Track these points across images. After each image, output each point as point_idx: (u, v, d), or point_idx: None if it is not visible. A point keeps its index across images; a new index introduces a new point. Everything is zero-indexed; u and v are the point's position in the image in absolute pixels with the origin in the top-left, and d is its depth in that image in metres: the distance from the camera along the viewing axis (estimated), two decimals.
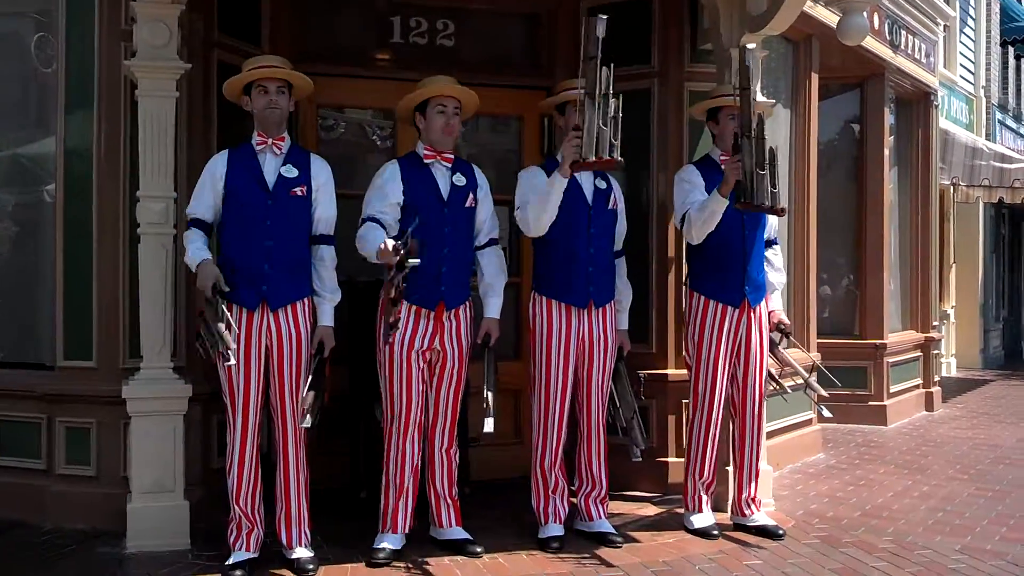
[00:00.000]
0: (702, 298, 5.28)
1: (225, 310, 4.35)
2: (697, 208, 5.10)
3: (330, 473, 5.78)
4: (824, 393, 5.64)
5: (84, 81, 5.36)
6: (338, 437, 5.82)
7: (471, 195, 4.91)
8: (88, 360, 5.35)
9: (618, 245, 5.28)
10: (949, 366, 14.36)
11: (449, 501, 4.99)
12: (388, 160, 5.13)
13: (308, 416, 4.46)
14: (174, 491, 4.82)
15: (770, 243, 5.47)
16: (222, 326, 4.29)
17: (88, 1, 5.33)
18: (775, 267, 5.50)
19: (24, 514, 5.33)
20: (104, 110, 5.32)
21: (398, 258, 4.19)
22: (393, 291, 4.25)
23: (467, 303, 4.95)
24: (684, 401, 5.91)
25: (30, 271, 5.89)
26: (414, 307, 4.71)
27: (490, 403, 4.72)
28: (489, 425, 4.66)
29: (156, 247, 4.79)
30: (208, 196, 4.54)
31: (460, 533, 4.97)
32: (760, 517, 5.41)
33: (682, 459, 5.73)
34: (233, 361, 4.35)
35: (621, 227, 5.29)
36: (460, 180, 4.89)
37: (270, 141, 4.57)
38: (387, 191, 4.77)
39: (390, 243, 4.31)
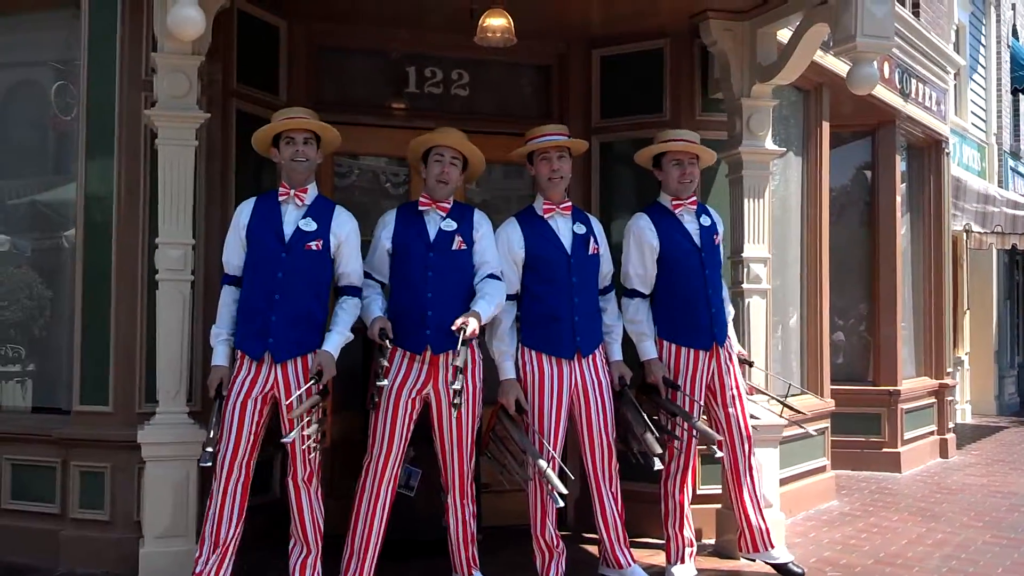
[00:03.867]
0: (673, 346, 5.27)
1: (220, 414, 4.48)
2: (633, 328, 5.29)
3: (340, 518, 5.78)
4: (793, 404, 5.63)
5: (105, 129, 5.45)
6: (348, 483, 5.82)
7: (459, 238, 4.85)
8: (104, 405, 5.38)
9: (605, 283, 5.25)
10: (964, 412, 14.27)
11: (463, 550, 4.96)
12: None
13: (293, 433, 4.40)
14: (187, 536, 4.82)
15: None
16: (212, 433, 4.39)
17: (110, 52, 5.44)
18: (727, 300, 5.53)
19: (38, 558, 5.35)
20: (124, 158, 5.41)
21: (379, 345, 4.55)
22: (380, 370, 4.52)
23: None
24: (696, 447, 5.89)
25: (48, 316, 5.96)
26: (406, 352, 4.72)
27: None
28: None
29: (174, 293, 4.83)
30: (237, 246, 4.62)
31: None
32: (780, 553, 5.41)
33: (693, 505, 5.69)
34: (209, 463, 4.39)
35: (605, 267, 5.23)
36: (450, 225, 4.85)
37: (292, 192, 4.61)
38: (380, 240, 4.86)
39: (378, 328, 4.59)
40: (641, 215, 5.37)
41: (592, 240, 5.14)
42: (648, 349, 5.27)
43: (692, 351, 5.24)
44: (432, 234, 4.83)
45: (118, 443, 5.22)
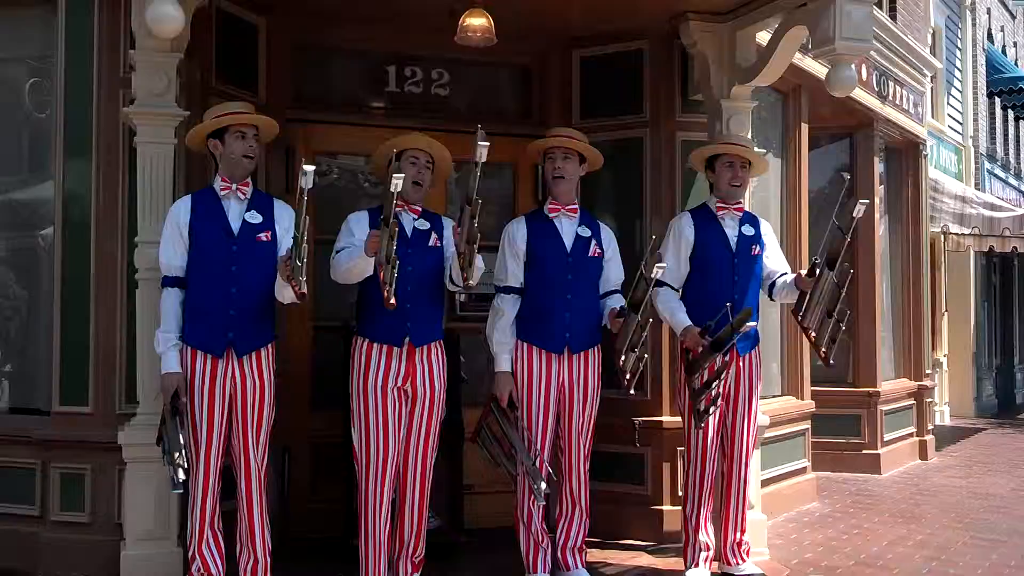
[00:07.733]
0: None
1: (179, 432, 4.35)
2: (664, 308, 5.23)
3: (324, 521, 5.76)
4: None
5: (82, 127, 5.39)
6: (331, 485, 5.80)
7: (434, 235, 4.87)
8: (84, 405, 5.33)
9: (612, 287, 5.26)
10: (942, 414, 14.35)
11: (413, 546, 4.84)
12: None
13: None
14: (168, 538, 4.78)
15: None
16: (178, 456, 4.27)
17: (87, 49, 5.39)
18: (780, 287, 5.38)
19: (17, 561, 5.28)
20: (102, 156, 5.36)
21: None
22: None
23: (438, 344, 4.85)
24: (679, 449, 5.84)
25: (26, 316, 5.90)
26: (383, 345, 4.68)
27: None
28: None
29: (153, 292, 4.75)
30: (179, 247, 4.52)
31: None
32: (747, 567, 5.35)
33: (677, 507, 5.70)
34: (181, 491, 4.32)
35: (614, 273, 5.26)
36: (423, 225, 4.86)
37: (234, 186, 4.58)
38: (356, 233, 4.72)
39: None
40: (684, 213, 5.49)
41: (595, 244, 5.19)
42: (682, 320, 5.18)
43: None
44: (408, 229, 4.80)
45: (98, 444, 5.16)
